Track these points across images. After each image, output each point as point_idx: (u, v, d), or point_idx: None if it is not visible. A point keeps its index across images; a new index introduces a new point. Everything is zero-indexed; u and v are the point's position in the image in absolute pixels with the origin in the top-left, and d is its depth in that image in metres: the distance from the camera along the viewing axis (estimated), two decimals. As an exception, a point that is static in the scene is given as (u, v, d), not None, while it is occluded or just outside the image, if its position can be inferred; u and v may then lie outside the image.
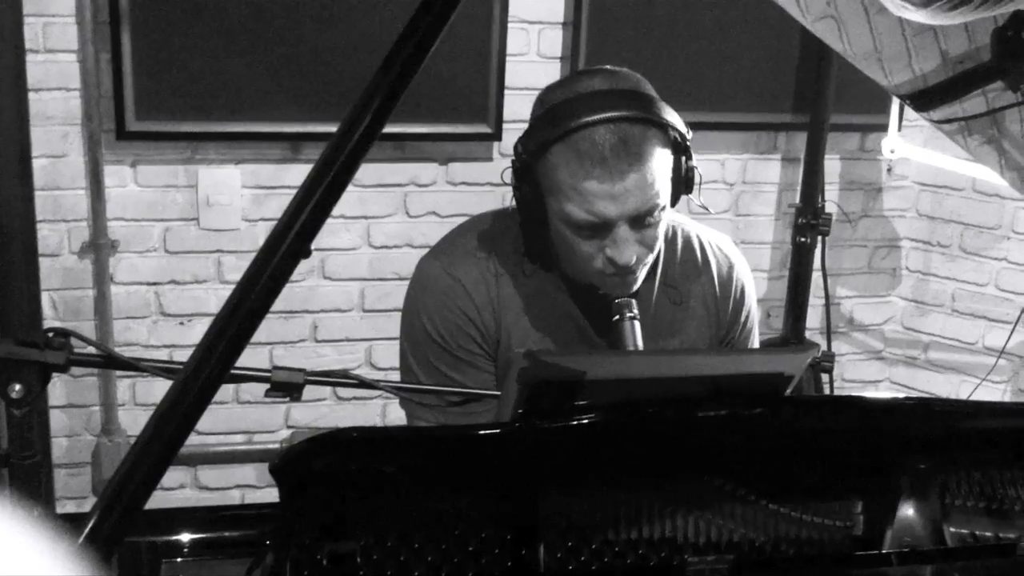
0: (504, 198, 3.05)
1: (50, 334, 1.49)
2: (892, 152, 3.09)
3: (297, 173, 2.98)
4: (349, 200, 3.03)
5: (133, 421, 3.04)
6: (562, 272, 1.79)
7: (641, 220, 1.65)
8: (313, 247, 3.11)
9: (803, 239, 3.03)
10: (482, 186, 3.11)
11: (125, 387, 3.03)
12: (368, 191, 3.05)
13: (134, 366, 1.55)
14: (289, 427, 3.20)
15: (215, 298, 3.01)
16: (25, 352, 1.48)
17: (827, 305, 3.28)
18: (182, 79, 2.79)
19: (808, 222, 3.03)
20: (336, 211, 3.03)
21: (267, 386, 1.52)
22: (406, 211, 3.10)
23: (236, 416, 3.15)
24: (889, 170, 3.43)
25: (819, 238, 3.06)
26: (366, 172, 3.03)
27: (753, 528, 1.33)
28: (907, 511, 1.40)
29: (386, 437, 1.29)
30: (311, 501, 1.12)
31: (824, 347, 3.27)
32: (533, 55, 3.05)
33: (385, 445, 1.17)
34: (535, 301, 1.81)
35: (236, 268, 3.00)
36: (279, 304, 3.09)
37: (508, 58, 2.98)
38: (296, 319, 3.10)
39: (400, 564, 1.19)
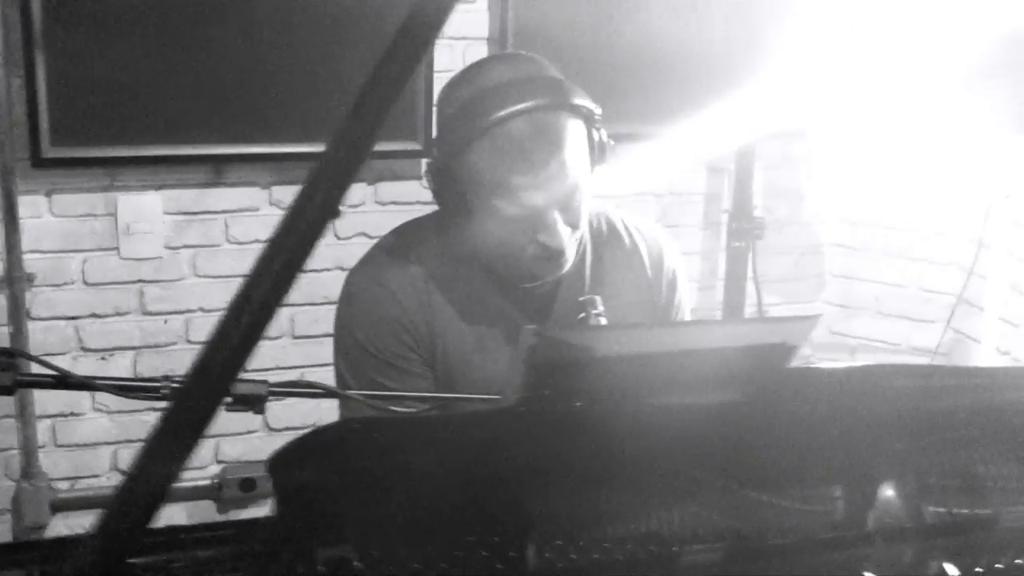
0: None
1: (-6, 355, 1.39)
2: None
3: (221, 197, 2.89)
4: (274, 223, 2.94)
5: (54, 465, 2.90)
6: (491, 269, 1.75)
7: (568, 202, 1.65)
8: (237, 273, 3.03)
9: (737, 244, 3.04)
10: (412, 205, 3.05)
11: (45, 428, 2.88)
12: (295, 214, 2.96)
13: (91, 385, 1.45)
14: (219, 462, 3.08)
15: (138, 331, 2.89)
16: (-33, 376, 1.38)
17: (759, 311, 3.29)
18: (99, 102, 2.69)
19: (742, 227, 3.05)
20: (262, 234, 2.97)
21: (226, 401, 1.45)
22: (335, 233, 3.02)
23: (163, 453, 3.02)
24: (810, 176, 3.48)
25: (753, 243, 3.08)
26: (291, 194, 2.92)
27: (737, 518, 1.30)
28: (886, 492, 1.39)
29: (390, 424, 1.23)
30: (308, 501, 1.05)
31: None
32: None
33: (390, 432, 1.11)
34: (468, 304, 1.78)
35: (159, 298, 2.89)
36: (204, 333, 2.98)
37: (435, 75, 2.94)
38: (224, 349, 2.98)
39: (387, 572, 1.14)
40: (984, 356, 3.15)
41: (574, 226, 1.69)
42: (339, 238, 3.02)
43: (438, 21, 0.93)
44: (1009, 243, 2.90)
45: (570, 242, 1.69)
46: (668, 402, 1.19)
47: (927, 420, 1.39)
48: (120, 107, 2.70)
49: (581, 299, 1.71)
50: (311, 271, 3.02)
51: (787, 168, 3.46)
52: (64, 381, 1.44)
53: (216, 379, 0.94)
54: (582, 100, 1.65)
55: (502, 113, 1.58)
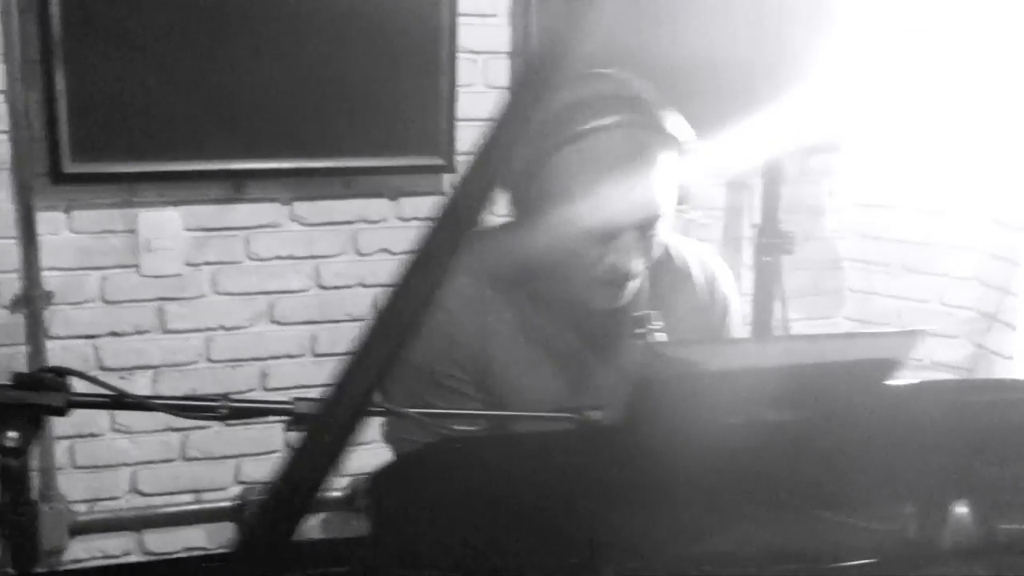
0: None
1: (48, 374, 1.35)
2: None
3: (241, 213, 2.85)
4: (296, 240, 2.92)
5: (73, 486, 2.84)
6: (550, 289, 1.71)
7: (647, 228, 1.61)
8: (258, 290, 2.97)
9: (767, 258, 3.01)
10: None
11: (63, 449, 2.83)
12: (316, 229, 2.93)
13: (147, 405, 1.41)
14: (240, 483, 3.03)
15: (158, 349, 2.84)
16: (19, 395, 1.34)
17: (785, 328, 3.26)
18: (118, 117, 2.65)
19: (771, 241, 3.02)
20: (283, 251, 2.93)
21: (277, 424, 1.40)
22: (356, 249, 2.99)
23: (182, 474, 2.97)
24: (830, 192, 3.45)
25: (780, 258, 3.05)
26: (312, 210, 2.91)
27: (811, 538, 1.27)
28: (959, 509, 1.35)
29: (489, 442, 1.19)
30: (407, 522, 1.01)
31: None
32: (480, 86, 2.98)
33: (490, 450, 1.07)
34: (521, 325, 1.73)
35: (180, 316, 2.84)
36: (225, 352, 2.95)
37: (457, 89, 2.91)
38: (244, 367, 2.94)
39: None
40: (1014, 371, 3.13)
41: (647, 255, 1.65)
42: (360, 254, 2.98)
43: (562, 58, 0.90)
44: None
45: (638, 269, 1.65)
46: (749, 419, 1.16)
47: (998, 435, 1.35)
48: (139, 122, 2.67)
49: (637, 315, 1.68)
50: (332, 288, 2.98)
51: (806, 184, 3.44)
52: (120, 401, 1.39)
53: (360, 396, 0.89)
54: (682, 131, 1.63)
55: (602, 122, 1.57)
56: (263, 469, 3.03)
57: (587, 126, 1.57)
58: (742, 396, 1.12)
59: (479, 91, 2.97)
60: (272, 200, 2.87)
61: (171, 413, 1.38)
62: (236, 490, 3.03)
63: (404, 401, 1.70)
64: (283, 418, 1.33)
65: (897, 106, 3.27)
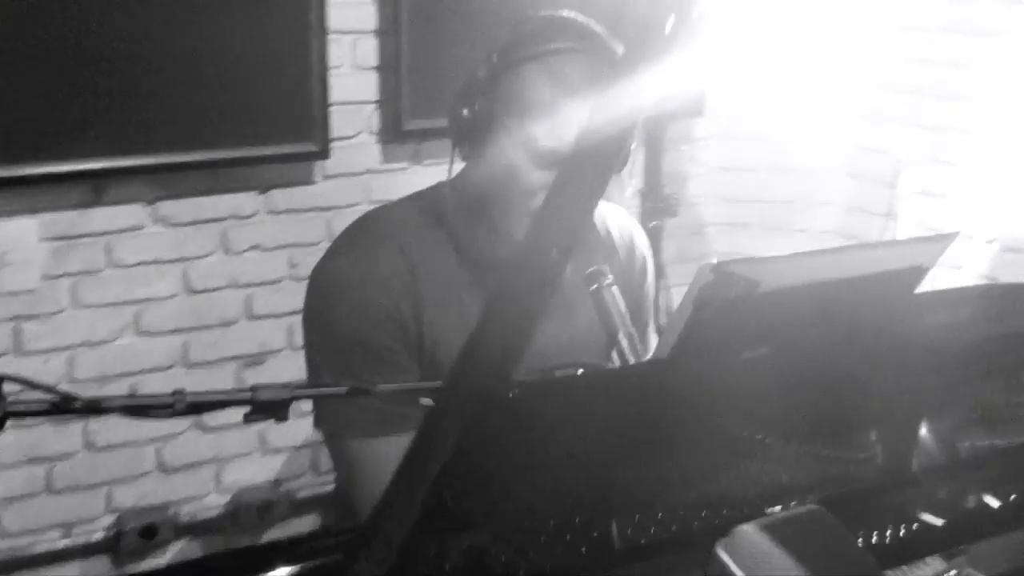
0: (330, 222, 2.82)
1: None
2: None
3: (103, 218, 2.59)
4: (161, 242, 2.68)
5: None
6: (490, 220, 1.66)
7: None
8: (122, 299, 2.72)
9: (654, 223, 2.98)
10: (306, 212, 2.84)
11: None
12: (182, 229, 2.70)
13: (97, 408, 1.21)
14: (113, 511, 2.77)
15: (14, 373, 2.55)
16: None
17: (667, 296, 3.25)
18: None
19: (656, 206, 2.99)
20: (147, 255, 2.68)
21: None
22: (226, 248, 2.77)
23: (47, 508, 2.69)
24: (691, 159, 3.47)
25: (665, 222, 3.03)
26: (178, 208, 2.68)
27: (794, 473, 1.27)
28: (923, 432, 1.39)
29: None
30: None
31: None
32: (348, 67, 2.81)
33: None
34: (451, 290, 1.68)
35: (37, 336, 2.56)
36: (89, 370, 2.68)
37: (328, 71, 2.73)
38: (111, 384, 2.68)
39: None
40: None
41: None
42: (231, 253, 2.77)
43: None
44: (918, 213, 2.96)
45: None
46: (783, 343, 1.13)
47: (965, 351, 1.35)
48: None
49: (589, 271, 1.65)
50: (203, 291, 2.76)
51: (669, 151, 3.43)
52: (65, 407, 1.20)
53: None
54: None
55: (568, 44, 1.58)
56: (136, 494, 2.79)
57: (552, 46, 1.58)
58: (785, 316, 1.12)
59: (347, 72, 2.81)
60: (134, 201, 2.63)
61: (125, 415, 1.22)
62: (108, 519, 2.77)
63: (337, 377, 1.61)
64: (244, 407, 1.21)
65: (754, 69, 3.30)
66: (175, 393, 1.19)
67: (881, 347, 1.22)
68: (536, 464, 1.06)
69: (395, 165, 2.91)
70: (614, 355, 1.67)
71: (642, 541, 1.16)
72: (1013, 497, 1.35)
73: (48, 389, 1.18)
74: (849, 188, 3.41)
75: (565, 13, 1.66)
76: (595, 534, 1.14)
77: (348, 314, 1.64)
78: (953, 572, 1.23)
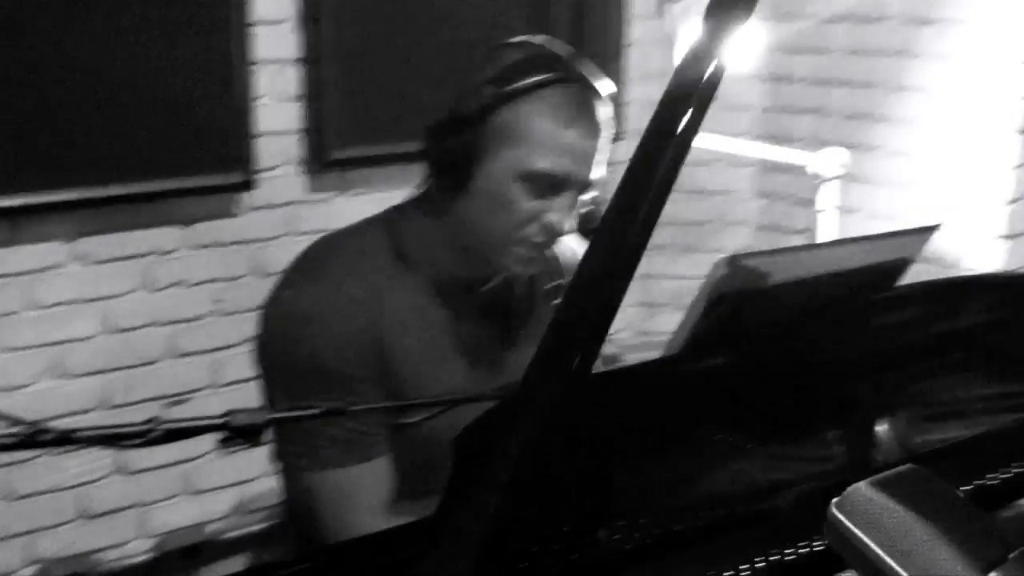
0: (255, 255, 2.76)
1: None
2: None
3: (20, 258, 2.48)
4: (81, 281, 2.58)
5: None
6: (461, 264, 1.66)
7: (585, 188, 1.61)
8: (40, 342, 2.60)
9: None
10: (230, 245, 2.77)
11: None
12: (102, 267, 2.60)
13: (69, 439, 1.15)
14: (34, 563, 2.65)
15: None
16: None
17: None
18: None
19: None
20: (66, 295, 2.59)
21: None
22: (147, 285, 2.68)
23: (-37, 563, 2.56)
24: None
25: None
26: (98, 245, 2.58)
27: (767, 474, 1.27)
28: (881, 431, 1.41)
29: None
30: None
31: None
32: (273, 96, 2.76)
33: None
34: (417, 314, 1.66)
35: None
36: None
37: (253, 102, 2.67)
38: (30, 432, 2.56)
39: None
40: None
41: (573, 219, 1.63)
42: (153, 290, 2.68)
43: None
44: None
45: (569, 231, 1.62)
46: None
47: (920, 346, 1.39)
48: None
49: (547, 287, 1.69)
50: (124, 331, 2.66)
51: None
52: (35, 440, 1.14)
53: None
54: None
55: (568, 75, 1.58)
56: (57, 543, 2.67)
57: (544, 77, 1.57)
58: (793, 307, 1.17)
59: (270, 102, 2.75)
60: (52, 239, 2.52)
61: (100, 446, 1.17)
62: (26, 572, 2.65)
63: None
64: (219, 433, 1.19)
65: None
66: (150, 420, 1.16)
67: (849, 341, 1.26)
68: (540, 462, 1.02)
69: (321, 195, 2.86)
70: None
71: (626, 547, 1.15)
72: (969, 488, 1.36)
73: (17, 421, 1.12)
74: (761, 207, 3.49)
75: (539, 40, 1.66)
76: (584, 541, 1.12)
77: (309, 344, 1.60)
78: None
